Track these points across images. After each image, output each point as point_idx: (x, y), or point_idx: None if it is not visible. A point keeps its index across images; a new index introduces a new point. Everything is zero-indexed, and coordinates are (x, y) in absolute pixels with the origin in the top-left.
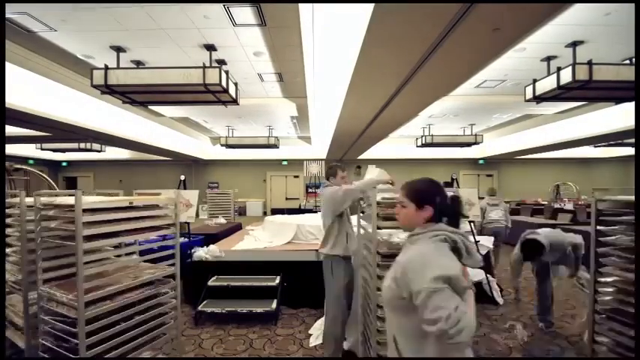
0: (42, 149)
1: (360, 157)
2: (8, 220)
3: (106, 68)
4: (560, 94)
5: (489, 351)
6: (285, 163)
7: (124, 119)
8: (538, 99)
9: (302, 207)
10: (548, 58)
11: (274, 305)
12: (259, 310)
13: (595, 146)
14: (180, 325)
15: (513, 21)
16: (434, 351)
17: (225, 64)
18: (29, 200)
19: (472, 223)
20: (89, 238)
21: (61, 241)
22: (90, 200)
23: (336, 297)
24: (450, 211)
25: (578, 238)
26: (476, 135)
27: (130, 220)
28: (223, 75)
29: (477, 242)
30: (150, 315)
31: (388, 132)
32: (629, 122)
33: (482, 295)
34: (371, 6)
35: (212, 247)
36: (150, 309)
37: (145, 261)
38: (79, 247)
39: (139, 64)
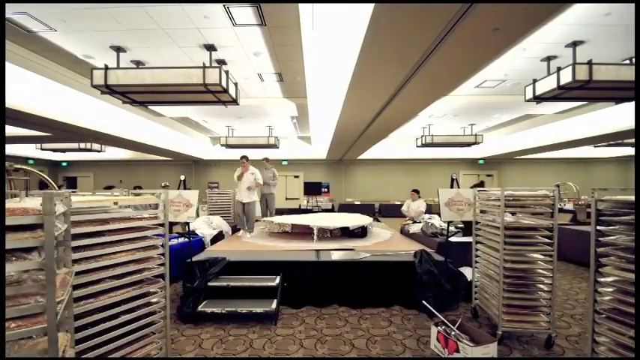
0: (42, 149)
1: (360, 157)
2: None
3: (106, 68)
4: (560, 94)
5: None
6: (285, 163)
7: (124, 119)
8: (538, 99)
9: (301, 207)
10: (548, 58)
11: (274, 305)
12: (259, 310)
13: (595, 146)
14: (169, 325)
15: (513, 21)
16: None
17: (225, 64)
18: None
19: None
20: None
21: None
22: (77, 200)
23: None
24: None
25: None
26: (476, 135)
27: (117, 220)
28: (223, 75)
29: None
30: (136, 315)
31: (388, 132)
32: (629, 122)
33: None
34: (371, 6)
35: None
36: (137, 308)
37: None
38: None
39: (139, 64)
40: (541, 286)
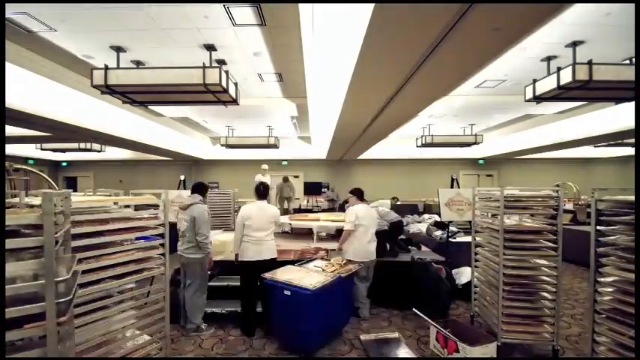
0: (42, 149)
1: (360, 157)
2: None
3: (106, 68)
4: (560, 94)
5: None
6: (285, 163)
7: (124, 119)
8: (538, 99)
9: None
10: (548, 58)
11: None
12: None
13: (595, 146)
14: (168, 325)
15: (513, 21)
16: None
17: (225, 64)
18: (29, 200)
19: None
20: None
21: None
22: (77, 200)
23: None
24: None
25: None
26: (476, 135)
27: (117, 220)
28: (223, 75)
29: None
30: (136, 314)
31: (388, 132)
32: (629, 122)
33: None
34: (371, 6)
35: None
36: (137, 308)
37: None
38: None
39: (138, 64)
40: (544, 294)
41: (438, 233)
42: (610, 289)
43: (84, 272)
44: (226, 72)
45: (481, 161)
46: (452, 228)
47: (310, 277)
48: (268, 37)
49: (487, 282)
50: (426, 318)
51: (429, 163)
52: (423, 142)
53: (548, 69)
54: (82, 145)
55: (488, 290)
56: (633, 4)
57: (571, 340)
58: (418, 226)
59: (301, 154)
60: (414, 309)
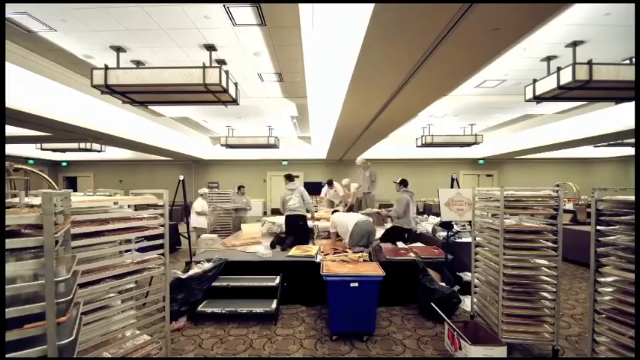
0: (42, 149)
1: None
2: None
3: (106, 68)
4: (560, 94)
5: None
6: (285, 163)
7: (124, 119)
8: (538, 99)
9: None
10: (548, 58)
11: (274, 305)
12: (259, 310)
13: (595, 146)
14: (168, 325)
15: (513, 21)
16: None
17: (225, 64)
18: (29, 200)
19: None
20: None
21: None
22: (77, 200)
23: None
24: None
25: None
26: (476, 135)
27: (117, 220)
28: (223, 75)
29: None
30: (136, 314)
31: (388, 132)
32: (629, 122)
33: None
34: (371, 6)
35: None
36: (137, 308)
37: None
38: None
39: (139, 64)
40: (544, 294)
41: (443, 233)
42: (610, 289)
43: (83, 273)
44: (226, 72)
45: (481, 161)
46: (456, 228)
47: (360, 267)
48: (268, 37)
49: (487, 282)
50: (442, 314)
51: (429, 163)
52: (423, 142)
53: (548, 69)
54: (82, 145)
55: (488, 290)
56: (633, 4)
57: (571, 340)
58: (424, 225)
59: (301, 154)
60: (432, 303)
